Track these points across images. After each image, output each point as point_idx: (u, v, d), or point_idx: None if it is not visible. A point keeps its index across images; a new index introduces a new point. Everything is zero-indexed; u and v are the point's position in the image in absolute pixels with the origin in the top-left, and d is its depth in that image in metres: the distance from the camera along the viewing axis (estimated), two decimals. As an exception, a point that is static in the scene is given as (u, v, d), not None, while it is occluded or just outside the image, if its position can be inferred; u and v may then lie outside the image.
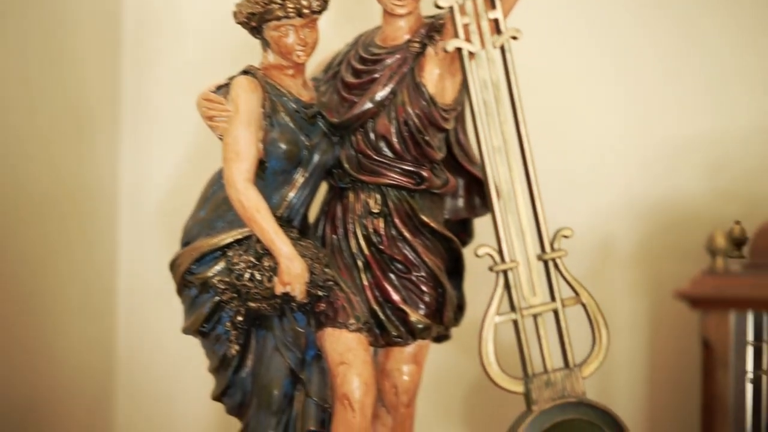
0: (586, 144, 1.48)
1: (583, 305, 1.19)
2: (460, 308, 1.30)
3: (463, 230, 1.31)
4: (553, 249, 1.19)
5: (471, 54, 1.19)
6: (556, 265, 1.20)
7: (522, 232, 1.19)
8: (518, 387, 1.17)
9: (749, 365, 1.16)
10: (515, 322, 1.18)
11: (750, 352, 1.16)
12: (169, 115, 1.58)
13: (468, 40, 1.19)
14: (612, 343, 1.44)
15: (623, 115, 1.47)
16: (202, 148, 1.52)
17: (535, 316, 1.19)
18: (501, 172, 1.18)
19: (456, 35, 1.19)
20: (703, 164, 1.43)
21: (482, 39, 1.20)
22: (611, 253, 1.47)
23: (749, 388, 1.16)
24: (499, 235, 1.18)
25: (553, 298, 1.20)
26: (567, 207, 1.48)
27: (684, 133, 1.44)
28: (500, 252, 1.19)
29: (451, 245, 1.26)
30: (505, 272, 1.18)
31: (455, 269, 1.28)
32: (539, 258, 1.19)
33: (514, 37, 1.20)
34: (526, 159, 1.20)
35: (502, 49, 1.21)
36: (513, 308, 1.18)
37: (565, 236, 1.19)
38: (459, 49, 1.19)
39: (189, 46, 1.56)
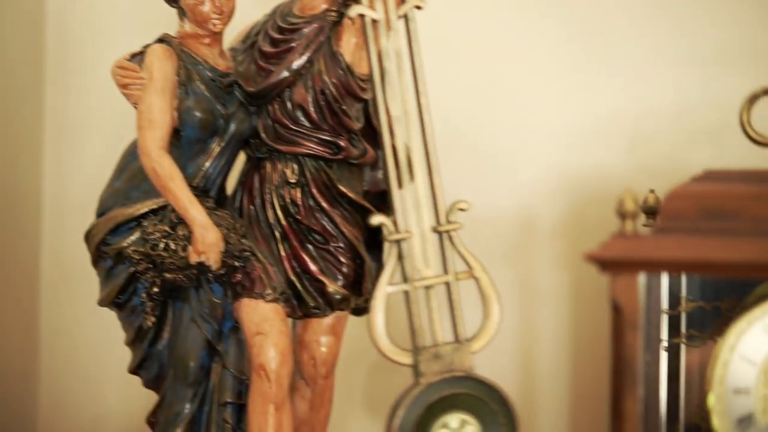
0: (510, 120, 1.48)
1: (476, 279, 1.17)
2: (380, 280, 1.29)
3: (383, 202, 1.30)
4: (448, 221, 1.17)
5: (374, 21, 1.18)
6: (450, 238, 1.17)
7: (418, 203, 1.16)
8: (407, 359, 1.15)
9: (664, 334, 1.17)
10: (407, 293, 1.15)
11: (665, 320, 1.17)
12: (94, 107, 1.57)
13: (372, 7, 1.18)
14: (536, 315, 1.45)
15: (546, 91, 1.47)
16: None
17: (427, 288, 1.17)
18: (399, 143, 1.16)
19: (359, 1, 1.18)
20: (624, 140, 1.44)
21: (386, 7, 1.19)
22: (534, 227, 1.47)
23: (664, 356, 1.17)
24: (394, 205, 1.15)
25: (446, 271, 1.17)
26: (491, 183, 1.48)
27: (606, 109, 1.45)
28: (395, 222, 1.16)
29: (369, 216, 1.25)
30: (398, 242, 1.15)
31: (374, 241, 1.27)
32: (434, 230, 1.17)
33: (418, 7, 1.19)
34: (425, 130, 1.17)
35: (406, 18, 1.19)
36: (405, 279, 1.15)
37: (461, 209, 1.16)
38: (362, 16, 1.18)
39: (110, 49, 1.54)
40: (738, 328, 1.01)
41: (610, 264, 0.97)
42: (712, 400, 1.01)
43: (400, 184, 1.16)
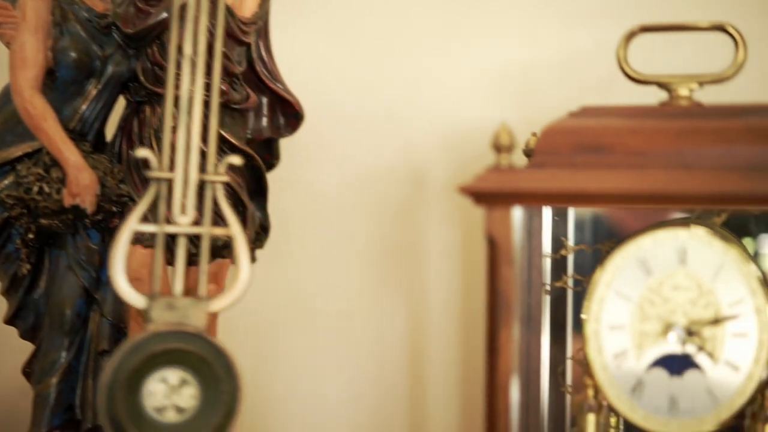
0: (399, 76, 1.47)
1: (231, 237, 1.10)
2: (264, 230, 1.28)
3: (268, 151, 1.28)
4: (216, 173, 1.09)
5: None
6: (214, 190, 1.09)
7: (189, 147, 1.09)
8: (140, 303, 1.07)
9: (547, 278, 1.17)
10: (155, 236, 1.08)
11: (547, 264, 1.17)
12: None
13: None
14: (426, 270, 1.44)
15: (435, 46, 1.46)
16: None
17: (178, 236, 1.10)
18: (184, 82, 1.08)
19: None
20: (514, 93, 1.44)
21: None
22: (425, 184, 1.46)
23: (547, 299, 1.17)
24: (163, 142, 1.08)
25: (202, 223, 1.10)
26: (380, 139, 1.47)
27: (495, 63, 1.44)
28: (161, 159, 1.09)
29: (252, 163, 1.23)
30: (158, 181, 1.08)
31: (258, 189, 1.26)
32: (200, 179, 1.09)
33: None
34: (213, 74, 1.10)
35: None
36: (156, 220, 1.08)
37: (234, 163, 1.10)
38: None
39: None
40: (613, 264, 1.01)
41: (484, 196, 0.96)
42: (588, 336, 1.01)
43: (176, 124, 1.09)
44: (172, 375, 1.07)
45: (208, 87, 1.08)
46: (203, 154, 1.07)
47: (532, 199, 0.96)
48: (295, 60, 1.34)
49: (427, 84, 1.46)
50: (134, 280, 1.16)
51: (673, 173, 0.93)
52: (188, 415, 1.07)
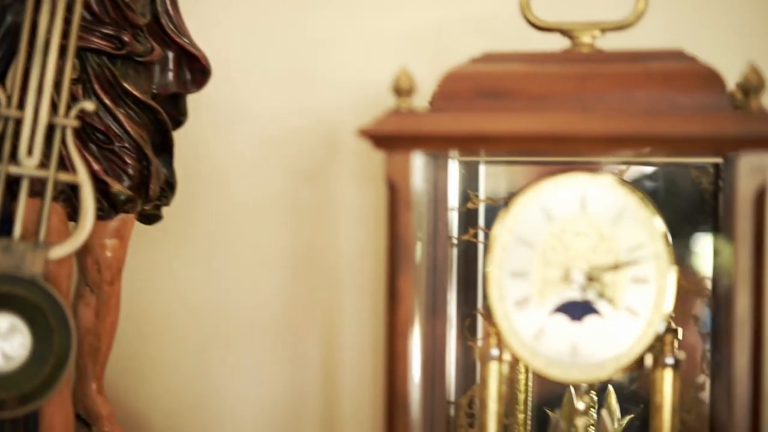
0: (312, 35, 1.46)
1: (78, 184, 1.08)
2: (170, 187, 1.26)
3: (175, 107, 1.26)
4: (67, 116, 1.08)
5: None
6: (63, 134, 1.08)
7: (43, 87, 1.07)
8: None
9: (453, 231, 1.16)
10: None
11: (454, 217, 1.16)
12: None
13: None
14: (343, 230, 1.43)
15: (348, 6, 1.45)
16: None
17: (22, 177, 1.08)
18: (43, 21, 1.07)
19: None
20: (428, 53, 1.43)
21: None
22: (340, 144, 1.45)
23: (454, 252, 1.17)
24: (15, 80, 1.06)
25: (49, 166, 1.09)
26: (292, 99, 1.46)
27: (408, 23, 1.44)
28: (9, 97, 1.07)
29: (157, 117, 1.21)
30: (6, 119, 1.06)
31: (164, 145, 1.24)
32: (50, 121, 1.08)
33: None
34: (74, 18, 1.09)
35: None
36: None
37: (86, 109, 1.08)
38: None
39: None
40: (516, 211, 1.00)
41: (383, 140, 0.95)
42: (491, 284, 1.01)
43: (29, 65, 1.07)
44: (3, 320, 1.04)
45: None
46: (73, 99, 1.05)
47: (431, 143, 0.96)
48: (204, 19, 1.33)
49: (339, 44, 1.45)
50: (33, 235, 1.13)
51: (572, 115, 0.93)
52: (16, 363, 1.04)
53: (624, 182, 1.00)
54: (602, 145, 0.93)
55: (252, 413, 1.46)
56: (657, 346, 0.98)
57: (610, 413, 1.13)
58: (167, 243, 1.48)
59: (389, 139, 0.95)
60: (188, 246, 1.48)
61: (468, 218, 1.19)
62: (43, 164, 1.06)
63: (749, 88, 0.91)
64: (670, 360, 0.98)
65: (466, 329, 1.17)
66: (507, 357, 1.02)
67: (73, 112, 1.07)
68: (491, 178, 1.20)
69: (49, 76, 1.07)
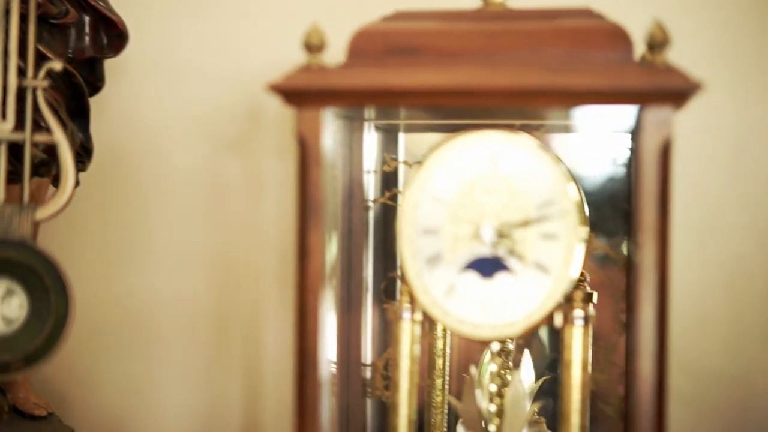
0: (237, 6, 1.46)
1: (55, 144, 1.09)
2: (87, 152, 1.25)
3: (92, 73, 1.26)
4: (35, 77, 1.09)
5: None
6: (35, 96, 1.09)
7: (8, 52, 1.08)
8: None
9: (369, 194, 1.16)
10: None
11: (369, 180, 1.17)
12: None
13: None
14: (262, 204, 1.43)
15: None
16: None
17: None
18: None
19: None
20: (349, 22, 1.42)
21: None
22: (260, 116, 1.45)
23: (370, 214, 1.17)
24: None
25: (24, 129, 1.10)
26: (215, 70, 1.46)
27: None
28: None
29: (72, 81, 1.20)
30: None
31: (80, 110, 1.23)
32: (20, 84, 1.09)
33: None
34: None
35: None
36: None
37: (53, 68, 1.09)
38: None
39: None
40: (427, 168, 1.01)
41: (293, 95, 0.95)
42: (403, 243, 1.01)
43: None
44: None
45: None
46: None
47: (341, 98, 0.96)
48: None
49: (262, 14, 1.45)
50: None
51: (481, 70, 0.93)
52: (17, 325, 1.05)
53: (536, 142, 1.00)
54: (510, 98, 0.93)
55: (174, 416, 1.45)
56: (567, 304, 0.99)
57: (526, 375, 1.14)
58: (83, 231, 1.46)
59: (299, 95, 0.95)
60: (105, 215, 1.46)
61: (386, 182, 1.19)
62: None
63: (654, 43, 0.92)
64: (579, 317, 0.99)
65: (382, 292, 1.17)
66: (419, 317, 1.02)
67: (42, 72, 1.07)
68: (410, 143, 1.20)
69: (13, 41, 1.07)
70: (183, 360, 1.44)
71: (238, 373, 1.43)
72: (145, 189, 1.46)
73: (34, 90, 1.07)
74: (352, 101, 0.96)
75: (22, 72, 1.08)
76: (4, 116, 1.06)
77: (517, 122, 1.11)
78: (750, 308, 1.34)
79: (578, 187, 1.00)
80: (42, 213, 1.08)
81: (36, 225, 1.09)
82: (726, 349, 1.34)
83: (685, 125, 1.30)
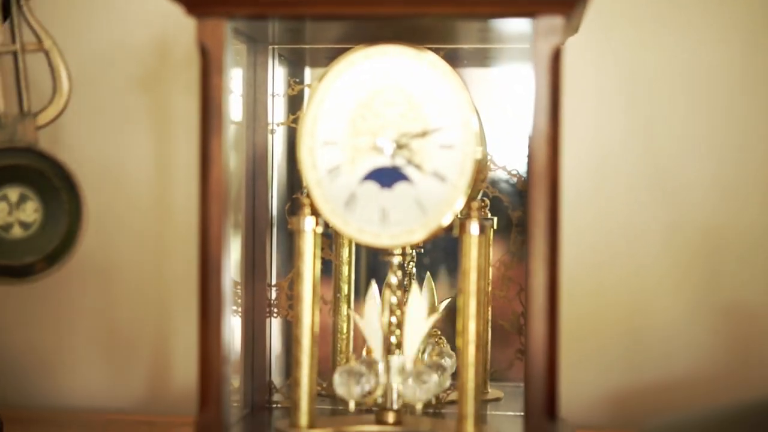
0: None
1: (45, 52, 1.14)
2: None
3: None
4: None
5: None
6: (19, 8, 1.14)
7: None
8: None
9: (271, 117, 1.18)
10: None
11: (272, 103, 1.19)
12: None
13: None
14: (171, 142, 1.44)
15: None
16: None
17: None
18: None
19: None
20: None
21: None
22: (169, 54, 1.46)
23: (273, 137, 1.19)
24: None
25: (14, 41, 1.14)
26: (122, 8, 1.46)
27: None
28: None
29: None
30: None
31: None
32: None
33: None
34: None
35: None
36: None
37: None
38: None
39: None
40: (327, 81, 1.03)
41: (195, 4, 0.97)
42: (303, 153, 1.03)
43: None
44: (12, 192, 1.09)
45: None
46: None
47: (241, 6, 0.97)
48: None
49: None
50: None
51: (379, -21, 0.96)
52: (34, 228, 1.10)
53: (436, 57, 1.03)
54: (407, 6, 0.96)
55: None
56: (463, 209, 1.02)
57: (426, 293, 1.16)
58: None
59: (200, 4, 0.96)
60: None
61: (292, 107, 1.21)
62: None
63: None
64: (475, 226, 1.02)
65: (287, 213, 1.19)
66: (320, 229, 1.04)
67: None
68: (315, 73, 1.22)
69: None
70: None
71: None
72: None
73: (19, 2, 1.11)
74: (254, 10, 0.97)
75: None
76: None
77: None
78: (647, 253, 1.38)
79: (478, 116, 1.03)
80: (43, 117, 1.13)
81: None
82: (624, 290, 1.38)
83: (583, 62, 1.35)
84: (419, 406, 1.04)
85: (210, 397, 0.98)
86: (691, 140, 1.37)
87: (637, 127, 1.37)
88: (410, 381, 1.05)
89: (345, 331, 1.20)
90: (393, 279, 1.08)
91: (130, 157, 1.46)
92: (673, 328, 1.37)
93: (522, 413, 0.99)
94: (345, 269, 1.19)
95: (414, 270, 1.18)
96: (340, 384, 1.06)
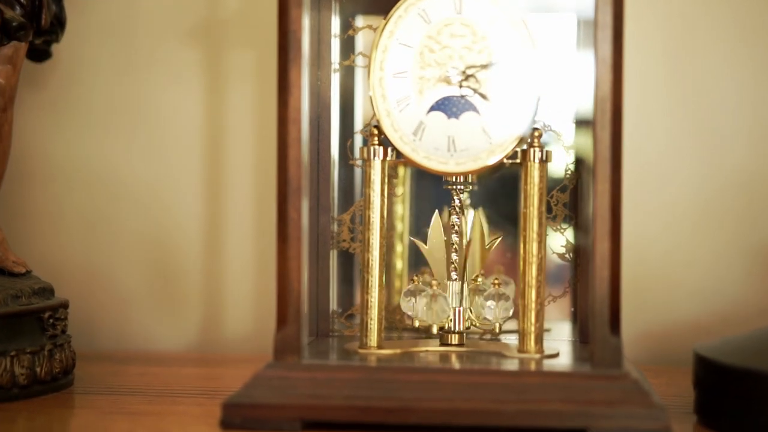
0: None
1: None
2: (60, 24, 1.29)
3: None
4: None
5: None
6: None
7: None
8: None
9: (334, 57, 1.23)
10: None
11: (336, 44, 1.23)
12: None
13: None
14: (223, 95, 1.48)
15: None
16: None
17: None
18: None
19: None
20: None
21: None
22: (220, 6, 1.50)
23: (337, 77, 1.23)
24: None
25: None
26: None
27: None
28: None
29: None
30: None
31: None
32: None
33: None
34: None
35: None
36: None
37: None
38: None
39: None
40: (396, 15, 1.08)
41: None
42: (374, 84, 1.08)
43: None
44: None
45: None
46: None
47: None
48: None
49: None
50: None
51: None
52: None
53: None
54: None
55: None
56: (527, 138, 1.07)
57: (481, 234, 1.20)
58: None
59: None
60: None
61: (346, 44, 1.25)
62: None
63: None
64: (537, 152, 1.07)
65: (349, 149, 1.24)
66: (390, 157, 1.09)
67: None
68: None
69: None
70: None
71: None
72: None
73: None
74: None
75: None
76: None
77: None
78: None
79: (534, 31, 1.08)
80: None
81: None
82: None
83: None
84: (498, 326, 1.11)
85: (288, 315, 1.03)
86: (730, 86, 1.41)
87: (677, 70, 1.41)
88: (490, 302, 1.11)
89: (399, 268, 1.25)
90: (457, 201, 1.13)
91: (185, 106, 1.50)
92: (708, 269, 1.41)
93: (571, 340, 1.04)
94: (399, 208, 1.24)
95: (469, 202, 1.23)
96: (406, 303, 1.11)
